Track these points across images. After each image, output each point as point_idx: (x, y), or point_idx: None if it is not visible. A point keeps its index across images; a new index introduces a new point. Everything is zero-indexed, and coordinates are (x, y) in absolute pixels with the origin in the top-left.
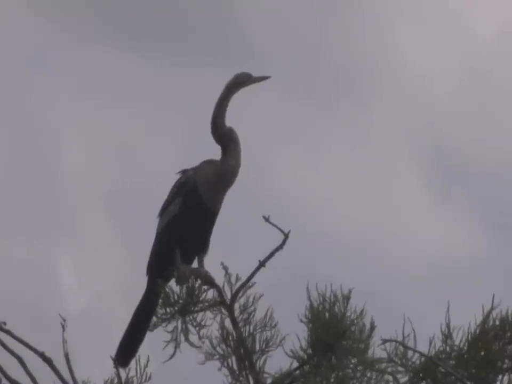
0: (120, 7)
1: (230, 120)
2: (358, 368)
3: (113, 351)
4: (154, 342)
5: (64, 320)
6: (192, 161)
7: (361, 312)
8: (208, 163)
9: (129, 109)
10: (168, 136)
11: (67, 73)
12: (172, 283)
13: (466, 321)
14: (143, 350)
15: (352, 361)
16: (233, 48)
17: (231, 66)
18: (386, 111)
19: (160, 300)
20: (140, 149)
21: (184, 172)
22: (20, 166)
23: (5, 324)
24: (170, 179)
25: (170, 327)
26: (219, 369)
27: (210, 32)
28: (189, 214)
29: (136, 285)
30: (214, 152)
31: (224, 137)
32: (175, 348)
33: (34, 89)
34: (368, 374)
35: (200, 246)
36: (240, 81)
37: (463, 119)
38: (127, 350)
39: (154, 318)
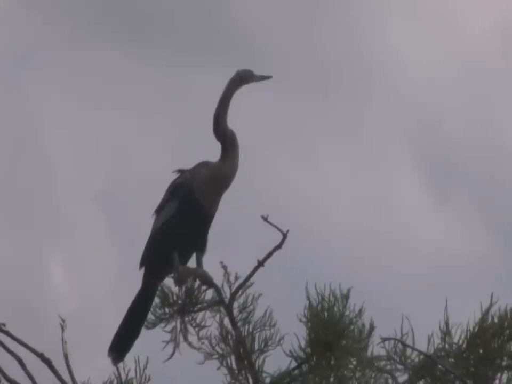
0: (114, 6)
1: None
2: (357, 368)
3: (106, 352)
4: (152, 342)
5: (64, 321)
6: (186, 161)
7: (360, 311)
8: (205, 165)
9: (123, 109)
10: (161, 136)
11: (61, 72)
12: (169, 281)
13: (464, 320)
14: (143, 351)
15: (351, 360)
16: (229, 47)
17: (228, 65)
18: (385, 110)
19: (159, 300)
20: (132, 148)
21: (181, 171)
22: (10, 165)
23: (4, 325)
24: (162, 178)
25: (169, 327)
26: (218, 368)
27: (206, 31)
28: (185, 216)
29: (129, 285)
30: (209, 152)
31: (225, 136)
32: (174, 348)
33: (25, 88)
34: (367, 373)
35: (198, 245)
36: (244, 77)
37: (462, 118)
38: (122, 344)
39: (152, 317)
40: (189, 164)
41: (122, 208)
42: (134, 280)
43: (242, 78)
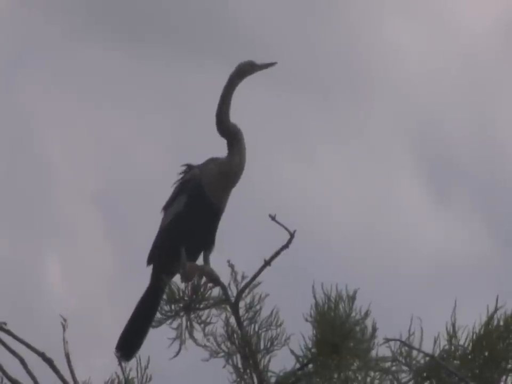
0: (114, 6)
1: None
2: (361, 368)
3: (105, 352)
4: (153, 341)
5: (65, 320)
6: (186, 161)
7: (367, 313)
8: (213, 161)
9: (123, 109)
10: (160, 136)
11: (60, 72)
12: (176, 278)
13: (467, 321)
14: (144, 351)
15: (356, 361)
16: (229, 48)
17: (228, 65)
18: (385, 109)
19: (165, 297)
20: (131, 148)
21: (189, 166)
22: (9, 165)
23: (5, 324)
24: (162, 178)
25: (175, 324)
26: (224, 367)
27: (206, 31)
28: (194, 212)
29: (128, 285)
30: (209, 151)
31: (229, 132)
32: (180, 345)
33: (24, 88)
34: (372, 374)
35: (206, 243)
36: (246, 69)
37: (463, 118)
38: (130, 343)
39: (158, 315)
40: (196, 161)
41: (122, 208)
42: (134, 280)
43: (244, 71)
